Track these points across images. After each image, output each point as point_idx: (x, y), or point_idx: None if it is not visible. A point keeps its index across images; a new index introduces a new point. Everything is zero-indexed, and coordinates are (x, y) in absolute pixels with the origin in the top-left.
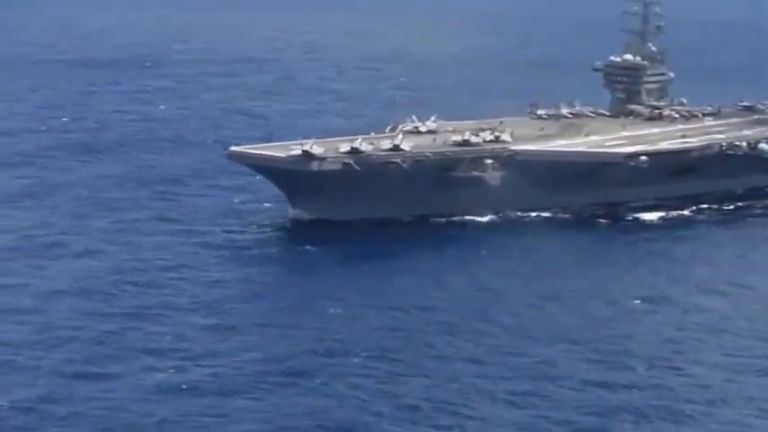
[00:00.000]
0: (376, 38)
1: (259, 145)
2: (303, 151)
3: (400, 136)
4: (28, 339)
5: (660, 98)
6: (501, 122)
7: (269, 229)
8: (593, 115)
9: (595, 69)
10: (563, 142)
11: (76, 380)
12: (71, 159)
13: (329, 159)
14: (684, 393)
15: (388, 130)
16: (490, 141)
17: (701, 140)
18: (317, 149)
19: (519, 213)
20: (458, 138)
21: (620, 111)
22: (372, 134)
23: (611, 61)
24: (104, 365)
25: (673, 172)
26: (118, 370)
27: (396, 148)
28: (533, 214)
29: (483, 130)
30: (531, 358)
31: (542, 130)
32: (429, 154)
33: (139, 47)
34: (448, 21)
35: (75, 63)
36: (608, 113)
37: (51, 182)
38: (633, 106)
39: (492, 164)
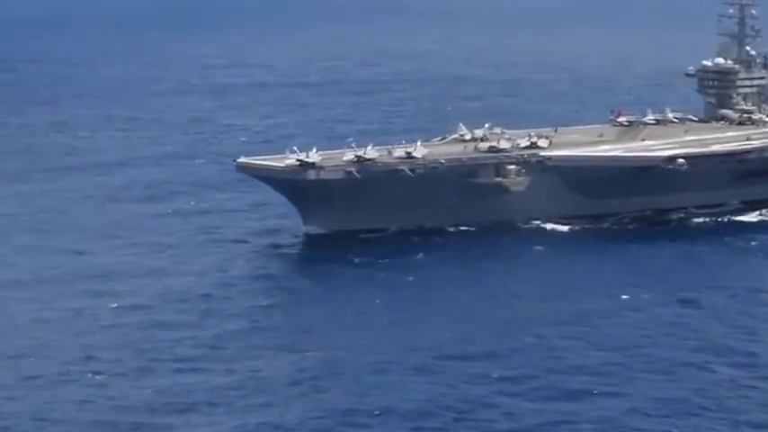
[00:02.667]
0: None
1: (264, 156)
2: (298, 160)
3: (418, 143)
4: None
5: (762, 102)
6: (555, 130)
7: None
8: (676, 121)
9: (688, 75)
10: (606, 147)
11: None
12: None
13: (328, 168)
14: None
15: (438, 139)
16: (524, 148)
17: (763, 143)
18: (314, 158)
19: (558, 221)
20: (485, 145)
21: (712, 116)
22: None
23: (704, 66)
24: None
25: (738, 176)
26: None
27: (408, 155)
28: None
29: (522, 137)
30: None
31: (601, 136)
32: (443, 161)
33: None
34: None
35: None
36: (696, 119)
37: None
38: (724, 111)
39: (516, 170)
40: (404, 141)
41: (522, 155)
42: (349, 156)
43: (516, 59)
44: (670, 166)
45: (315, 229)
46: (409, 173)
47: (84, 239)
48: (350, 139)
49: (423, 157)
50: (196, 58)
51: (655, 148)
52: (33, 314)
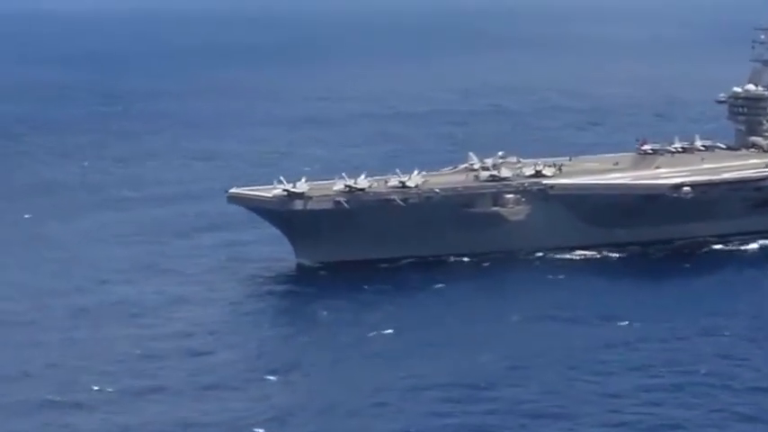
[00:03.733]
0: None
1: (256, 186)
2: (285, 190)
3: (415, 172)
4: None
5: None
6: (570, 159)
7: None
8: (703, 149)
9: (719, 101)
10: (615, 175)
11: None
12: None
13: (316, 198)
14: None
15: (449, 168)
16: (527, 176)
17: None
18: (302, 188)
19: (567, 251)
20: (486, 173)
21: (743, 143)
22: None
23: (734, 92)
24: None
25: (756, 204)
26: None
27: (402, 185)
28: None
29: (527, 165)
30: None
31: (617, 164)
32: (438, 190)
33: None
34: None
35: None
36: (724, 146)
37: None
38: (754, 138)
39: (516, 199)
40: (398, 170)
41: (523, 183)
42: (339, 185)
43: (627, 90)
44: (675, 195)
45: (307, 261)
46: (401, 203)
47: (114, 269)
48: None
49: (416, 187)
50: (302, 90)
51: (664, 175)
52: (31, 340)
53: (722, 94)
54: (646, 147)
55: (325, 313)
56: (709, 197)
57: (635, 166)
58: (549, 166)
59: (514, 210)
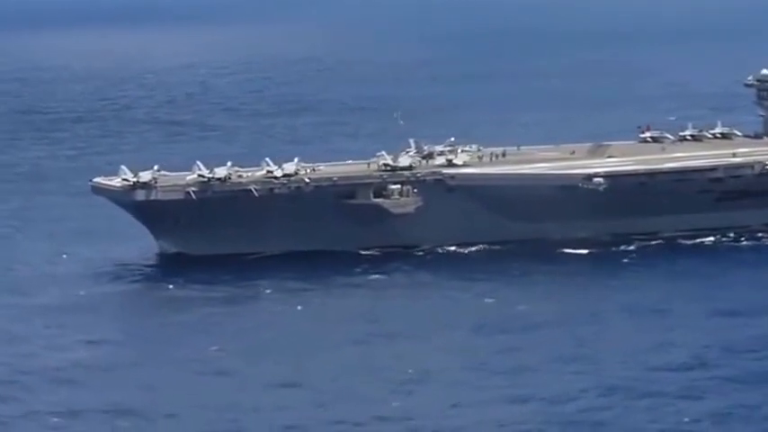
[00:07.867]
0: None
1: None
2: (124, 179)
3: (295, 160)
4: None
5: None
6: (518, 148)
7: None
8: (710, 136)
9: (747, 85)
10: (540, 165)
11: None
12: None
13: (161, 188)
14: None
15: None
16: (435, 165)
17: (745, 160)
18: (145, 177)
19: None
20: (380, 162)
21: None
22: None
23: (763, 75)
24: None
25: (718, 198)
26: None
27: (269, 174)
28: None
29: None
30: None
31: (573, 153)
32: (308, 180)
33: None
34: None
35: None
36: (740, 134)
37: None
38: None
39: (404, 190)
40: (267, 159)
41: (416, 174)
42: (192, 175)
43: None
44: (586, 186)
45: (167, 247)
46: (255, 194)
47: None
48: None
49: (285, 177)
50: None
51: (592, 165)
52: None
53: (750, 77)
54: (646, 134)
55: (166, 312)
56: (652, 190)
57: (588, 155)
58: (470, 152)
59: (400, 201)
